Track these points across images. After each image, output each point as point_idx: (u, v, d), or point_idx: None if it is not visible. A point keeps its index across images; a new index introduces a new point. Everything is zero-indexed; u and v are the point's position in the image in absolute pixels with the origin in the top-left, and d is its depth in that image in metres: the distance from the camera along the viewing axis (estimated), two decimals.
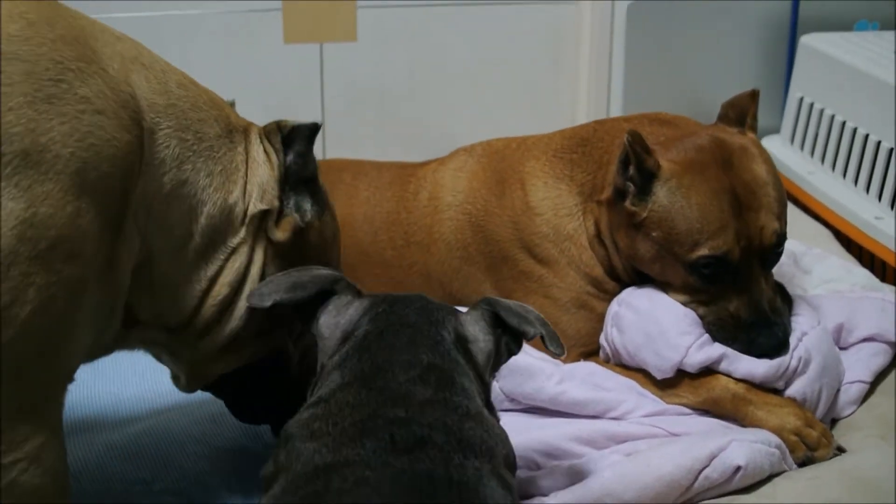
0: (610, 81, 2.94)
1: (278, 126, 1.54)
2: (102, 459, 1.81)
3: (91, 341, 1.34)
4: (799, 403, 1.78)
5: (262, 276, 1.53)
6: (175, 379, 1.65)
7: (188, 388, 1.62)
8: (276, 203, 1.53)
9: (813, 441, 1.73)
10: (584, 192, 1.93)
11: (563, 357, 1.79)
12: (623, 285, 1.92)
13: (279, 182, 1.53)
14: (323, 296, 1.48)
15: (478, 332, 1.44)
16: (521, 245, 1.95)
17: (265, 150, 1.53)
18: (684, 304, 1.83)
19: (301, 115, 2.81)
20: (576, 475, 1.65)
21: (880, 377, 1.91)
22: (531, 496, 1.65)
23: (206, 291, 1.49)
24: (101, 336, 1.38)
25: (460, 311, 1.48)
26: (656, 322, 1.81)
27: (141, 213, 1.37)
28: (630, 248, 1.85)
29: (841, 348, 1.93)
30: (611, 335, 1.87)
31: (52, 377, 1.28)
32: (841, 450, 1.75)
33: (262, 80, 2.76)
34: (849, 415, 1.86)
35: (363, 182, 2.23)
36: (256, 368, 1.61)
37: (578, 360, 1.91)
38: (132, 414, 1.94)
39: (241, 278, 1.51)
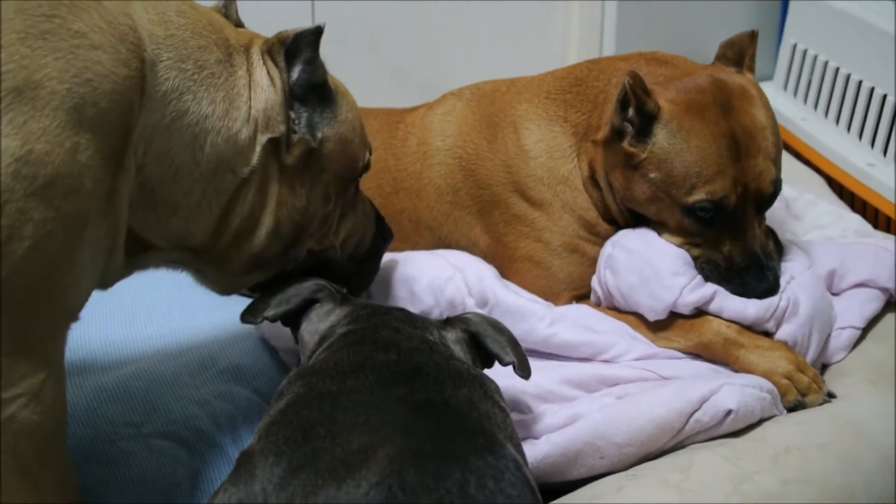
0: (602, 21, 2.92)
1: (279, 40, 1.51)
2: (92, 402, 1.80)
3: (94, 276, 1.34)
4: (790, 348, 1.78)
5: (280, 206, 1.53)
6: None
7: (221, 293, 1.67)
8: (283, 128, 1.50)
9: (804, 386, 1.74)
10: (578, 132, 1.92)
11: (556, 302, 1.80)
12: (617, 227, 1.91)
13: (285, 104, 1.51)
14: (309, 304, 1.60)
15: (456, 349, 1.53)
16: (514, 188, 1.94)
17: (268, 72, 1.50)
18: (678, 245, 1.82)
19: None
20: (567, 418, 1.66)
21: (872, 323, 1.91)
22: (524, 439, 1.65)
23: (223, 218, 1.49)
24: (106, 269, 1.37)
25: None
26: (650, 263, 1.80)
27: (141, 146, 1.36)
28: (626, 188, 1.84)
29: (833, 294, 1.93)
30: (604, 277, 1.87)
31: (53, 314, 1.28)
32: (831, 395, 1.76)
33: (252, 22, 2.73)
34: (840, 360, 1.87)
35: None
36: (295, 271, 1.64)
37: (570, 304, 1.91)
38: (122, 357, 1.93)
39: (257, 207, 1.51)
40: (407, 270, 1.90)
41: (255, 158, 1.48)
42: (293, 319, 1.61)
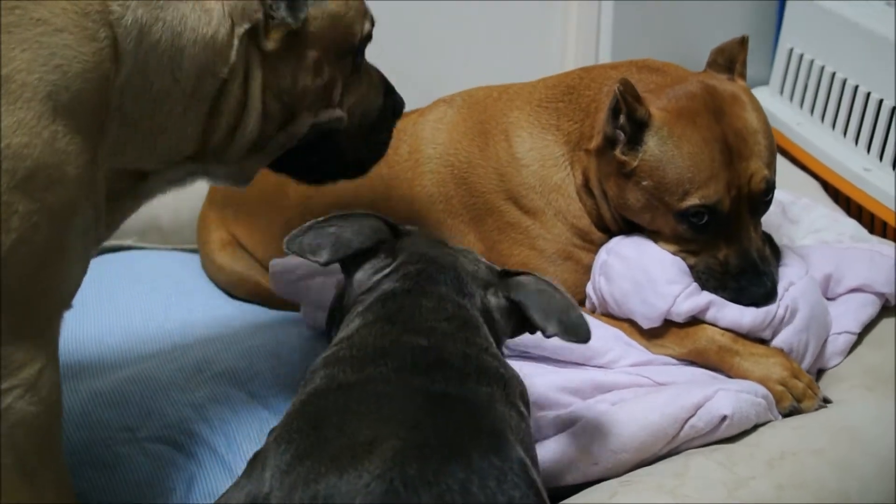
0: (598, 32, 2.93)
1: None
2: (87, 407, 1.80)
3: (86, 260, 1.34)
4: (785, 354, 1.78)
5: (266, 90, 1.50)
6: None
7: (241, 185, 1.66)
8: (259, 15, 1.45)
9: (799, 392, 1.74)
10: (570, 141, 1.92)
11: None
12: (611, 235, 1.91)
13: None
14: (366, 252, 1.54)
15: (499, 317, 1.50)
16: (507, 196, 1.94)
17: None
18: (674, 253, 1.82)
19: None
20: (562, 425, 1.65)
21: (868, 328, 1.91)
22: None
23: (210, 119, 1.46)
24: (94, 241, 1.38)
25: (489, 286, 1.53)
26: (644, 270, 1.80)
27: (116, 97, 1.35)
28: (619, 197, 1.84)
29: (829, 299, 1.93)
30: (598, 284, 1.86)
31: (47, 303, 1.28)
32: (827, 401, 1.76)
33: None
34: (835, 365, 1.87)
35: None
36: (302, 147, 1.63)
37: None
38: (116, 361, 1.93)
39: (242, 97, 1.48)
40: None
41: (233, 54, 1.44)
42: (346, 262, 1.56)
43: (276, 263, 1.99)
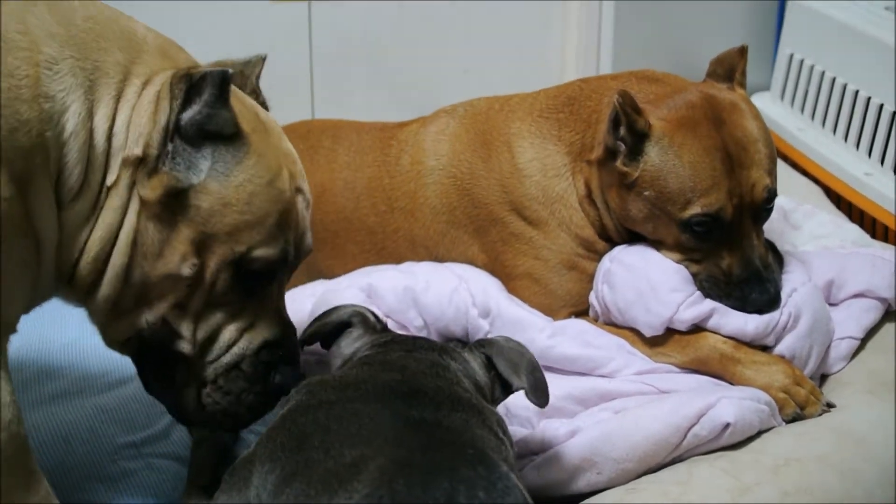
0: (600, 38, 2.93)
1: (188, 72, 1.39)
2: (92, 422, 1.81)
3: (25, 289, 1.36)
4: (787, 361, 1.78)
5: (137, 240, 1.40)
6: None
7: (107, 344, 1.54)
8: (152, 152, 1.38)
9: (801, 399, 1.74)
10: (572, 151, 1.92)
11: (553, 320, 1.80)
12: (614, 245, 1.91)
13: (164, 131, 1.38)
14: (344, 327, 1.62)
15: (477, 369, 1.53)
16: (511, 207, 1.94)
17: (160, 95, 1.40)
18: (677, 262, 1.82)
19: (290, 72, 2.82)
20: (565, 434, 1.66)
21: (870, 333, 1.91)
22: (524, 455, 1.66)
23: (84, 244, 1.41)
24: (38, 284, 1.39)
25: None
26: (648, 279, 1.81)
27: (55, 150, 1.35)
28: (622, 207, 1.84)
29: (831, 304, 1.94)
30: (601, 292, 1.87)
31: None
32: (830, 406, 1.76)
33: (250, 39, 2.74)
34: (839, 370, 1.87)
35: (343, 146, 2.19)
36: (149, 341, 1.49)
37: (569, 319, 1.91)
38: (122, 375, 1.93)
39: (112, 236, 1.40)
40: (413, 281, 1.90)
41: (118, 174, 1.39)
42: (328, 341, 1.64)
43: None
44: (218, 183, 1.41)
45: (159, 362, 1.50)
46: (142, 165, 1.39)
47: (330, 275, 2.11)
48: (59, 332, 2.02)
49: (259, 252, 1.45)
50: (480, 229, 1.98)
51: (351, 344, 1.59)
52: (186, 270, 1.42)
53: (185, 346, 1.47)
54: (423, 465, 1.19)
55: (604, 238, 1.92)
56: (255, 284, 1.49)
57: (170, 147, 1.39)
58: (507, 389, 1.55)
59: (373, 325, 1.62)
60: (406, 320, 1.88)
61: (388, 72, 2.94)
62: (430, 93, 2.72)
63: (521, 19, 2.98)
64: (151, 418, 1.82)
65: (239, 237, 1.43)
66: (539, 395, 1.51)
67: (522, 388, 1.51)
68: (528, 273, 1.93)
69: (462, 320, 1.86)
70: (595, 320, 1.91)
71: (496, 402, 1.54)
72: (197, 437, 1.75)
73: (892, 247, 2.10)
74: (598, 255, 1.91)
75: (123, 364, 1.95)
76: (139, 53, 1.43)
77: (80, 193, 1.38)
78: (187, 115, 1.38)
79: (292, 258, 1.53)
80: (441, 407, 1.34)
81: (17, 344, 1.94)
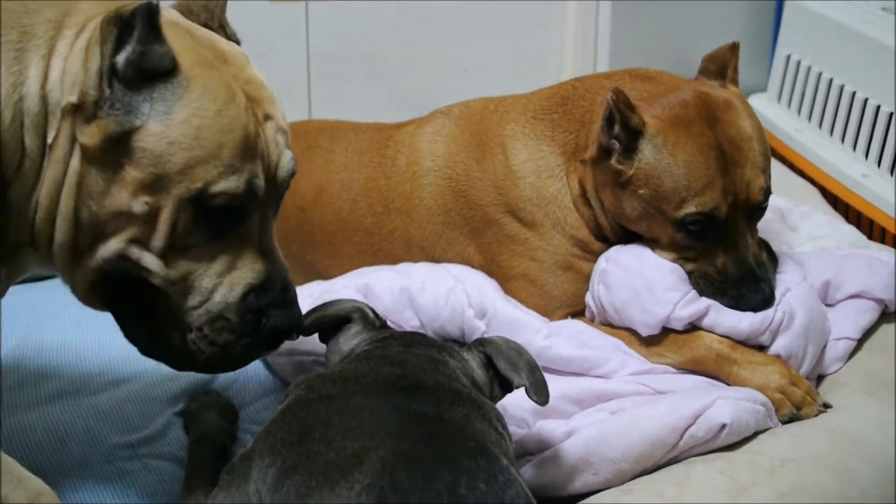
0: (597, 38, 2.93)
1: (117, 13, 1.33)
2: (88, 423, 1.81)
3: None
4: (784, 361, 1.78)
5: (81, 184, 1.37)
6: None
7: (82, 302, 1.50)
8: (89, 98, 1.34)
9: (797, 399, 1.74)
10: (566, 152, 1.92)
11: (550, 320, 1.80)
12: (609, 245, 1.91)
13: (98, 76, 1.33)
14: (343, 322, 1.61)
15: (476, 367, 1.53)
16: (506, 209, 1.94)
17: (90, 41, 1.35)
18: (672, 261, 1.82)
19: (287, 73, 2.82)
20: (562, 435, 1.66)
21: (867, 334, 1.92)
22: (521, 456, 1.66)
23: (36, 204, 1.39)
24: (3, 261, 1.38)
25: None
26: (644, 278, 1.81)
27: None
28: (616, 206, 1.84)
29: (828, 305, 1.93)
30: (597, 292, 1.87)
31: None
32: (827, 406, 1.76)
33: (247, 39, 2.73)
34: (835, 371, 1.87)
35: (340, 146, 2.19)
36: (115, 278, 1.43)
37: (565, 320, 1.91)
38: (118, 375, 1.93)
39: (59, 186, 1.37)
40: (409, 281, 1.90)
41: (59, 124, 1.36)
42: (326, 335, 1.62)
43: None
44: (160, 123, 1.35)
45: (134, 303, 1.45)
46: (79, 113, 1.35)
47: (327, 275, 2.11)
48: (55, 332, 2.02)
49: (218, 187, 1.38)
50: (476, 231, 1.98)
51: (350, 340, 1.59)
52: (138, 208, 1.37)
53: (155, 280, 1.40)
54: (425, 456, 1.19)
55: (599, 238, 1.92)
56: (224, 222, 1.42)
57: (107, 92, 1.34)
58: (507, 388, 1.55)
59: (372, 322, 1.61)
60: (402, 321, 1.89)
61: (386, 72, 2.94)
62: (428, 93, 2.71)
63: (518, 19, 2.98)
64: (147, 419, 1.82)
65: (192, 174, 1.37)
66: (540, 393, 1.50)
67: (523, 386, 1.51)
68: (524, 274, 1.93)
69: (458, 321, 1.87)
70: (591, 321, 1.91)
71: (494, 400, 1.54)
72: (195, 437, 1.75)
73: (890, 248, 2.11)
74: (594, 256, 1.91)
75: (119, 364, 1.97)
76: (74, 5, 1.39)
77: (22, 164, 1.36)
78: (122, 56, 1.33)
79: (263, 189, 1.44)
80: (442, 401, 1.35)
81: (14, 344, 1.97)
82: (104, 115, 1.34)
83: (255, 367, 1.99)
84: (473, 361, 1.54)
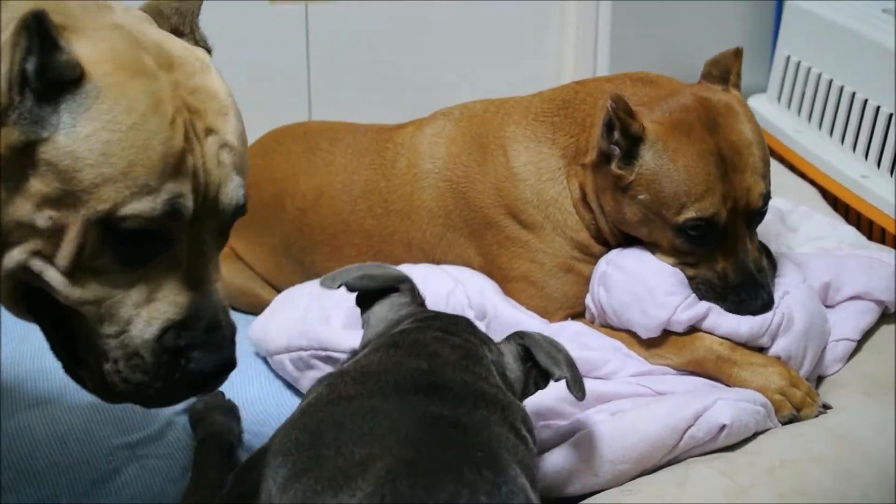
0: (596, 40, 2.93)
1: (26, 15, 1.21)
2: (87, 424, 1.81)
3: None
4: (783, 363, 1.78)
5: None
6: None
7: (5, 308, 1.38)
8: None
9: (797, 400, 1.74)
10: (567, 155, 1.92)
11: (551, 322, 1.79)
12: (609, 248, 1.91)
13: (8, 83, 1.22)
14: (389, 290, 1.57)
15: (511, 361, 1.51)
16: (506, 211, 1.94)
17: (5, 43, 1.23)
18: (672, 266, 1.82)
19: (287, 73, 2.82)
20: (562, 436, 1.66)
21: (867, 335, 1.92)
22: None
23: None
24: None
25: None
26: (644, 281, 1.81)
27: None
28: (616, 211, 1.84)
29: (828, 306, 1.93)
30: (597, 294, 1.87)
31: None
32: (827, 407, 1.76)
33: (247, 41, 2.74)
34: (835, 372, 1.87)
35: (340, 148, 2.19)
36: (24, 291, 1.33)
37: (565, 321, 1.91)
38: None
39: None
40: None
41: None
42: (367, 299, 1.58)
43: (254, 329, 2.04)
44: (66, 136, 1.23)
45: (53, 318, 1.34)
46: None
47: None
48: None
49: (128, 209, 1.24)
50: (476, 232, 1.98)
51: (395, 310, 1.55)
52: (41, 222, 1.25)
53: (59, 297, 1.28)
54: (430, 466, 1.19)
55: (599, 241, 1.92)
56: (140, 247, 1.27)
57: (17, 100, 1.23)
58: (545, 380, 1.53)
59: (417, 297, 1.58)
60: None
61: (386, 73, 2.94)
62: (427, 94, 2.72)
63: (518, 20, 2.98)
64: (147, 419, 1.82)
65: (99, 194, 1.24)
66: (578, 387, 1.49)
67: (564, 378, 1.49)
68: (524, 276, 1.93)
69: None
70: (591, 322, 1.91)
71: (528, 395, 1.53)
72: (201, 437, 1.75)
73: (890, 249, 2.11)
74: (594, 258, 1.91)
75: None
76: (6, 3, 1.28)
77: None
78: (29, 65, 1.22)
79: (191, 211, 1.28)
80: (463, 403, 1.33)
81: (13, 343, 1.97)
82: (11, 123, 1.23)
83: (256, 367, 2.00)
84: (510, 354, 1.52)
